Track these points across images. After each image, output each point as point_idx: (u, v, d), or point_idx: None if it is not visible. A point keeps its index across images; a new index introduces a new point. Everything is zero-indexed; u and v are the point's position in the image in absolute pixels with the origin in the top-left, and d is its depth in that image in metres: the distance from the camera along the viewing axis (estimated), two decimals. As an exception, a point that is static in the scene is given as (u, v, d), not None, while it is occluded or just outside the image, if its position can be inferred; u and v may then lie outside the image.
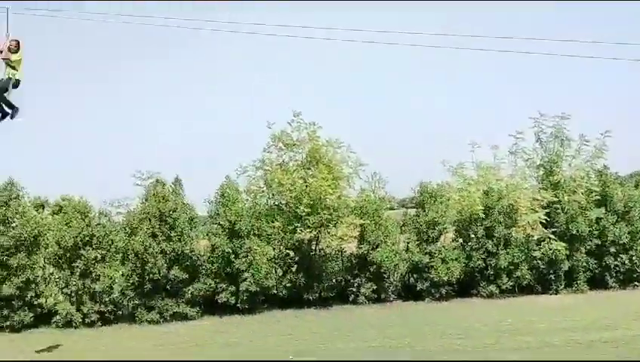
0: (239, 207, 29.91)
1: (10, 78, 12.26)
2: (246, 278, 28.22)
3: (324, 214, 29.43)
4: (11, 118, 12.61)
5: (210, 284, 28.54)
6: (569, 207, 30.94)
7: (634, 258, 31.45)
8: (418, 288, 30.52)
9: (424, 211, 31.91)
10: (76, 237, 27.50)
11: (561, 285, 30.82)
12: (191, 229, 28.84)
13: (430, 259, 30.34)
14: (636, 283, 31.61)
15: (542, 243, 30.74)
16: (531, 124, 32.41)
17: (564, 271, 30.68)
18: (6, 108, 12.48)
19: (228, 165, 32.68)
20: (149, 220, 27.91)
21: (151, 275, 27.61)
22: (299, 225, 29.26)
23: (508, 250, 30.56)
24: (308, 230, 29.06)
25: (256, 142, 31.57)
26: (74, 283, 27.66)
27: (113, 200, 29.88)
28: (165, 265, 27.80)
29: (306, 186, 29.91)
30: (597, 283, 31.39)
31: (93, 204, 29.41)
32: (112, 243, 28.56)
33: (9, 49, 12.08)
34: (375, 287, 29.90)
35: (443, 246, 31.32)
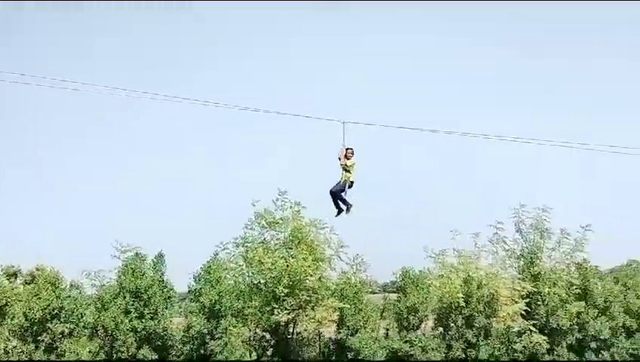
0: (223, 286, 29.27)
1: (346, 181, 14.86)
2: (219, 360, 27.16)
3: (303, 296, 28.82)
4: (346, 212, 15.28)
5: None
6: (549, 299, 30.77)
7: (615, 355, 31.00)
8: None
9: (405, 296, 31.54)
10: (44, 309, 26.53)
11: (542, 380, 30.12)
12: (166, 307, 28.04)
13: (410, 347, 29.62)
14: (618, 381, 30.98)
15: (522, 335, 30.27)
16: (512, 215, 32.79)
17: (546, 365, 30.08)
18: (341, 205, 15.17)
19: (210, 241, 32.19)
20: (123, 295, 27.14)
21: (119, 354, 26.49)
22: (277, 306, 28.56)
23: (488, 341, 30.01)
24: (285, 312, 28.33)
25: (242, 219, 31.40)
26: (37, 358, 26.37)
27: (89, 271, 29.07)
28: (135, 343, 26.75)
29: (287, 266, 29.46)
30: (577, 379, 30.78)
31: (70, 274, 28.64)
32: (82, 317, 27.56)
33: (346, 156, 14.68)
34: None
35: (423, 334, 30.70)
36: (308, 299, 29.02)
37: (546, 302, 30.86)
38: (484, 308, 30.60)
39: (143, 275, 27.74)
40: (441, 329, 31.12)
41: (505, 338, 30.41)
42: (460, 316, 30.15)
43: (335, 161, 14.90)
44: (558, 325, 30.27)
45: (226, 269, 30.32)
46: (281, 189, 30.64)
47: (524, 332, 30.27)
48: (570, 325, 30.65)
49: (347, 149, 14.87)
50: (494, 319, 31.00)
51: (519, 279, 31.64)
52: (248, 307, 28.58)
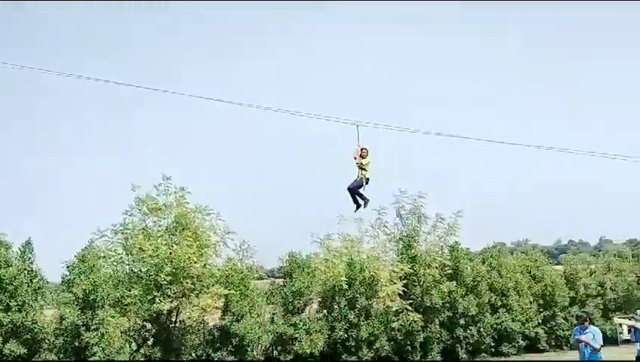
0: (98, 275, 27.83)
1: (362, 178, 16.27)
2: (95, 352, 25.90)
3: (187, 283, 28.24)
4: (364, 206, 16.80)
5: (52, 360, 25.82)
6: (424, 280, 32.74)
7: (482, 330, 33.70)
8: (282, 361, 30.01)
9: (291, 281, 32.01)
10: None
11: (417, 356, 32.04)
12: (36, 299, 26.19)
13: (294, 330, 30.15)
14: (484, 354, 33.70)
15: (400, 314, 31.98)
16: (393, 200, 34.42)
17: (420, 342, 32.03)
18: (359, 200, 16.66)
19: (88, 229, 30.44)
20: (-14, 287, 24.98)
21: (-18, 350, 24.39)
22: (158, 294, 27.75)
23: (368, 321, 31.36)
24: (168, 300, 27.62)
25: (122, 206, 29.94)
26: None
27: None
28: (1, 337, 24.76)
29: (170, 253, 28.66)
30: (448, 354, 33.11)
31: None
32: (-62, 313, 24.98)
33: (361, 155, 16.03)
34: (237, 361, 28.92)
35: (307, 318, 31.38)
36: (192, 286, 28.48)
37: (421, 283, 32.82)
38: (365, 290, 31.96)
39: (8, 265, 25.67)
40: (325, 311, 32.01)
41: (384, 317, 31.94)
42: (343, 298, 31.20)
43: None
44: (431, 303, 32.33)
45: (104, 257, 28.93)
46: (165, 174, 29.80)
47: (402, 312, 32.01)
48: (443, 303, 32.84)
49: (362, 149, 16.18)
50: (374, 300, 32.50)
51: (398, 261, 33.39)
52: (127, 296, 27.47)
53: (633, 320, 30.52)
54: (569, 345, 36.15)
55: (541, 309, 36.29)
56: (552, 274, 38.27)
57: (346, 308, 31.15)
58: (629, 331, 32.28)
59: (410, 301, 32.30)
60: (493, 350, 33.71)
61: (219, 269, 30.60)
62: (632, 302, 38.30)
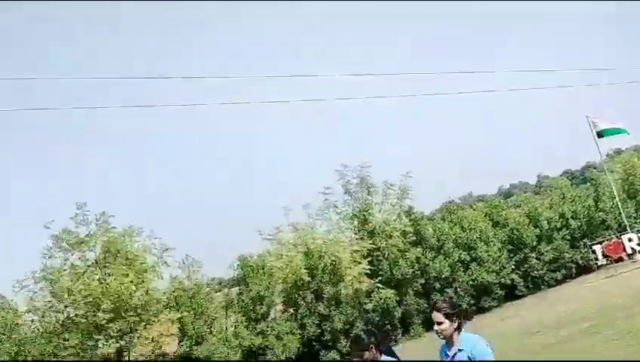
0: (21, 333, 24.16)
1: None
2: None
3: (131, 316, 24.93)
4: None
5: None
6: (389, 252, 30.57)
7: (458, 289, 31.88)
8: (256, 375, 27.18)
9: (247, 287, 29.13)
10: None
11: (399, 333, 29.89)
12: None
13: (263, 338, 27.35)
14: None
15: (371, 294, 29.70)
16: (337, 177, 32.05)
17: (398, 318, 29.88)
18: None
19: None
20: None
21: None
22: (100, 337, 24.35)
23: (340, 309, 28.90)
24: (112, 340, 24.26)
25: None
26: None
27: None
28: None
29: (105, 288, 25.22)
30: (429, 323, 31.08)
31: None
32: None
33: None
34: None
35: (274, 321, 28.62)
36: (137, 318, 25.23)
37: (386, 256, 30.63)
38: (330, 277, 29.50)
39: None
40: (291, 310, 29.34)
41: (355, 301, 29.57)
42: (307, 291, 28.62)
43: None
44: (401, 275, 30.21)
45: (29, 311, 25.23)
46: (79, 202, 26.23)
47: (373, 291, 29.74)
48: (413, 272, 30.77)
49: None
50: (342, 285, 30.09)
51: (357, 239, 31.09)
52: (64, 348, 23.88)
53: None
54: (546, 284, 35.04)
55: (512, 254, 34.81)
56: (515, 215, 36.85)
57: (314, 301, 28.57)
58: (604, 255, 31.31)
59: (379, 277, 30.05)
60: (474, 307, 31.88)
61: (164, 292, 27.38)
62: (595, 226, 37.50)
